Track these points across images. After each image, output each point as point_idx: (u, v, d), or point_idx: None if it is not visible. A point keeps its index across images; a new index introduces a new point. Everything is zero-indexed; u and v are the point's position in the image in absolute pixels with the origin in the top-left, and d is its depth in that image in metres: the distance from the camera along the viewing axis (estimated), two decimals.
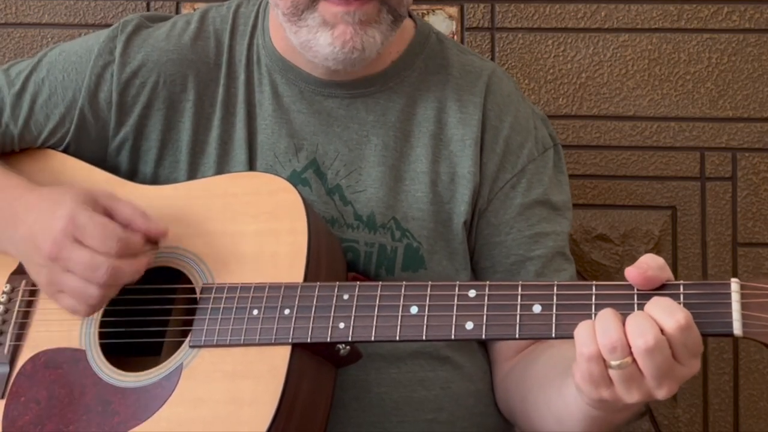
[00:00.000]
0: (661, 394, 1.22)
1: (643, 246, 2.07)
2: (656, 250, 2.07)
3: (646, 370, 1.20)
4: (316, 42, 1.53)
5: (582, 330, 1.23)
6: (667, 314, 1.21)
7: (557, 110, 2.08)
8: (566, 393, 1.34)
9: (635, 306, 1.25)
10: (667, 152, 2.07)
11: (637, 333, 1.20)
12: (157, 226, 1.47)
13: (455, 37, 2.07)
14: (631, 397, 1.23)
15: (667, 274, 1.27)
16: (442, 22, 2.07)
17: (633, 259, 2.01)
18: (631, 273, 1.26)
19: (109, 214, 1.46)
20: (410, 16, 1.70)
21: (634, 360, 1.20)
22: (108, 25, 1.71)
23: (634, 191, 2.08)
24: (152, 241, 1.48)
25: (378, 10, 1.52)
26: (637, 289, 1.26)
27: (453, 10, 2.08)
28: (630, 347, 1.20)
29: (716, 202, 2.07)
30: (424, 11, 2.07)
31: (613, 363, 1.20)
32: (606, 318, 1.22)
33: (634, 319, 1.21)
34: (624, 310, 1.24)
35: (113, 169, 1.65)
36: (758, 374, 2.08)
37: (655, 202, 2.08)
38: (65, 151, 1.66)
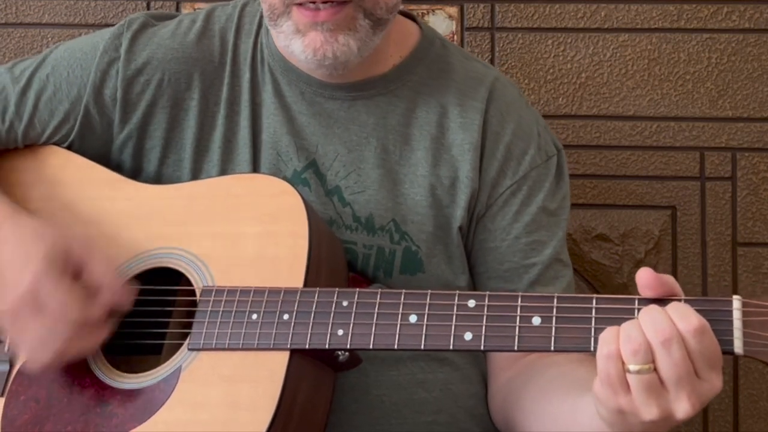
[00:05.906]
0: (681, 408, 1.19)
1: (642, 246, 2.07)
2: (656, 250, 2.07)
3: (663, 369, 1.18)
4: (292, 48, 1.54)
5: (606, 333, 1.22)
6: (683, 318, 1.19)
7: (557, 110, 2.08)
8: (580, 412, 1.32)
9: None
10: (666, 152, 2.07)
11: (653, 328, 1.19)
12: (121, 296, 1.46)
13: (455, 36, 2.07)
14: (650, 410, 1.19)
15: (677, 288, 1.25)
16: (442, 22, 2.07)
17: (633, 259, 2.06)
18: (643, 270, 1.25)
19: (79, 273, 1.45)
20: (415, 21, 1.70)
21: (655, 369, 1.18)
22: (108, 25, 1.71)
23: (634, 191, 2.07)
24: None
25: (352, 18, 1.51)
26: (639, 301, 1.25)
27: (453, 10, 2.08)
28: (653, 353, 1.18)
29: (716, 202, 2.07)
30: (424, 11, 2.07)
31: (632, 368, 1.18)
32: (631, 326, 1.21)
33: (649, 313, 1.21)
34: None
35: (117, 167, 1.64)
36: (758, 374, 2.08)
37: (655, 202, 2.08)
38: (69, 147, 1.65)
